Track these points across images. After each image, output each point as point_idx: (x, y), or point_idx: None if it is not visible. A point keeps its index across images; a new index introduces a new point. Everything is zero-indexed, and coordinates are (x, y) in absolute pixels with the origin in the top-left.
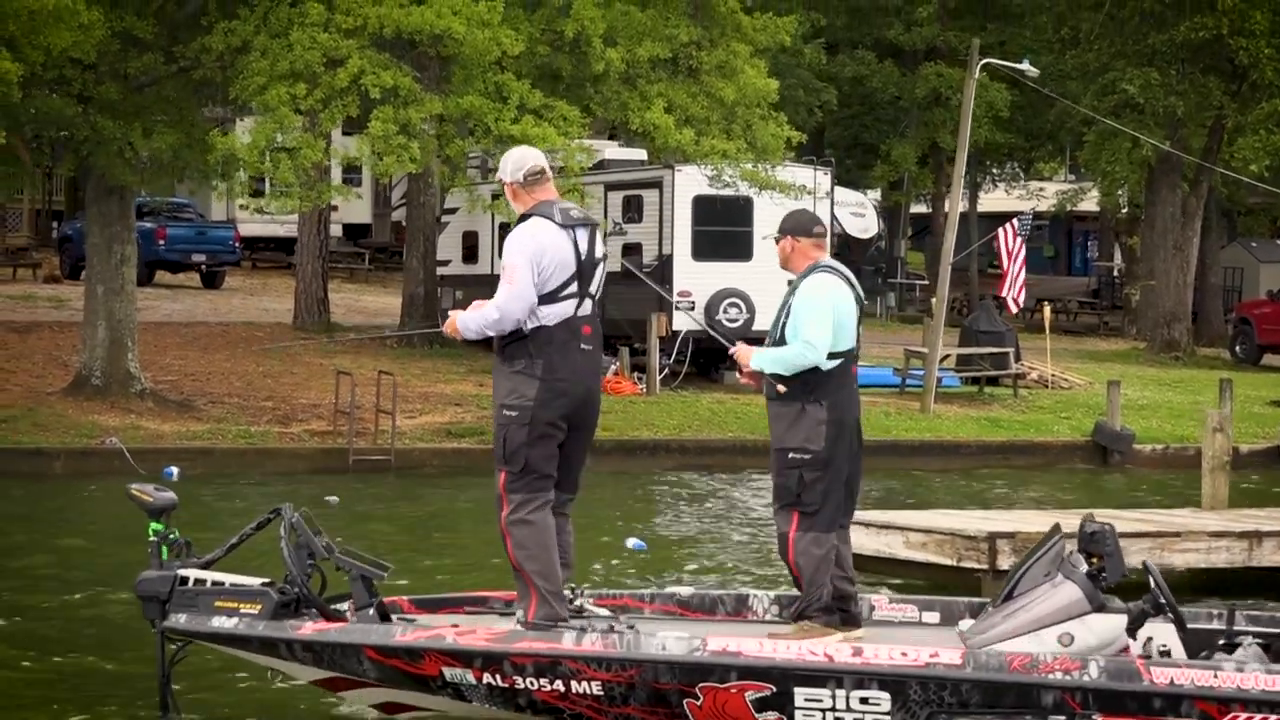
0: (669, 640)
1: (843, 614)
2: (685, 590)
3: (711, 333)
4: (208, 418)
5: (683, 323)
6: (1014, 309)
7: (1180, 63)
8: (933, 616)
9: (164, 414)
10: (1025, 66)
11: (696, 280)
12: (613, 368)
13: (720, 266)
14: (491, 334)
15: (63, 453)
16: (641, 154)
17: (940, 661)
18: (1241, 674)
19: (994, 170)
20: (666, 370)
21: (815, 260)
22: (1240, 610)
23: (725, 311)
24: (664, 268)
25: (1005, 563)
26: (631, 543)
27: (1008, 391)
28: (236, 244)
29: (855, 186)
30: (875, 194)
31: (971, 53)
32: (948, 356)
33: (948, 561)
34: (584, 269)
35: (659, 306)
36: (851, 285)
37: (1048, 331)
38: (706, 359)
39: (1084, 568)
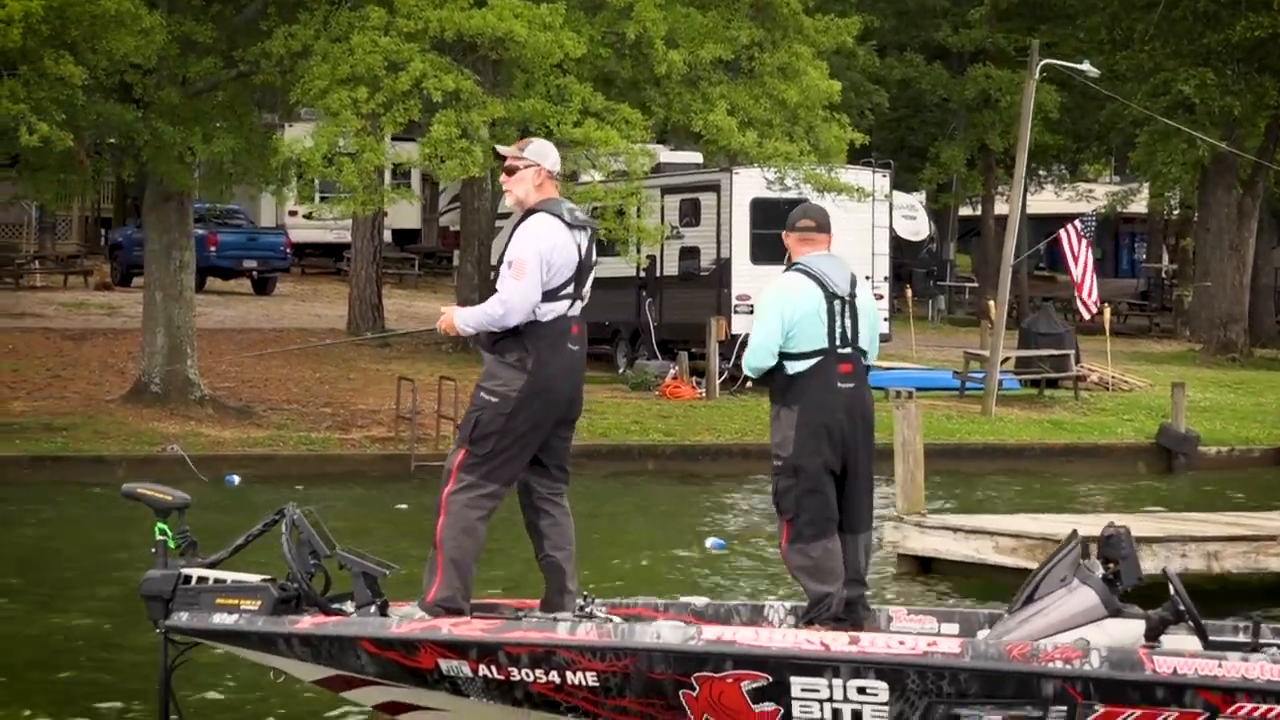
0: (664, 629)
1: (851, 620)
2: (700, 600)
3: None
4: (268, 424)
5: (743, 326)
6: (1087, 315)
7: (1235, 62)
8: (952, 628)
9: (224, 421)
10: (1086, 66)
11: (756, 284)
12: (671, 372)
13: (780, 270)
14: (494, 330)
15: (124, 460)
16: (696, 157)
17: (938, 650)
18: (1246, 663)
19: (1041, 172)
20: (726, 374)
21: (800, 256)
22: (1266, 624)
23: None
24: (723, 271)
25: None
26: (710, 542)
27: (1068, 394)
28: (287, 250)
29: (903, 189)
30: (921, 196)
31: (1031, 54)
32: (1007, 359)
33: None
34: (582, 270)
35: (718, 310)
36: (822, 284)
37: (1108, 333)
38: None
39: (1100, 573)
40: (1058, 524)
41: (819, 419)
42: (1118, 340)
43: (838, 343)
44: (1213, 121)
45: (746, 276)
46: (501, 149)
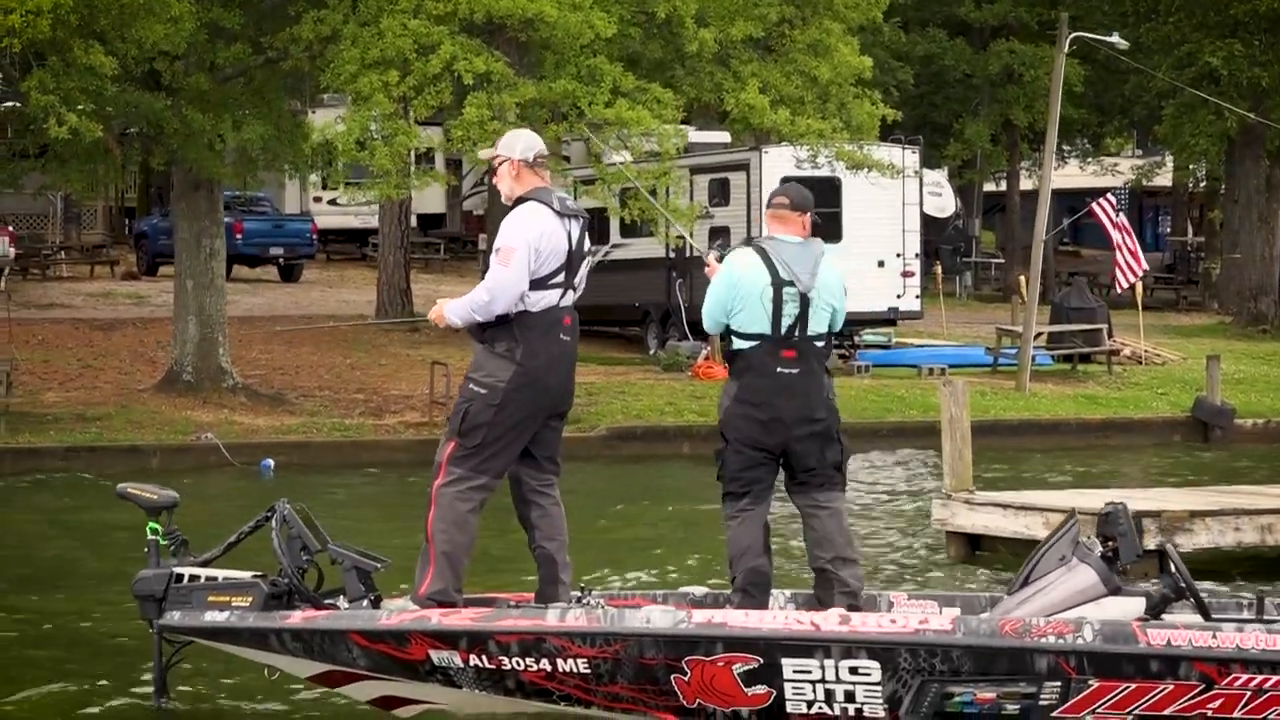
0: (653, 614)
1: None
2: (699, 590)
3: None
4: (301, 411)
5: None
6: (1127, 282)
7: (1263, 33)
8: (953, 612)
9: (257, 408)
10: (1115, 39)
11: None
12: (704, 352)
13: None
14: (480, 319)
15: (159, 449)
16: (723, 136)
17: (929, 628)
18: (1241, 634)
19: (1064, 147)
20: None
21: (771, 233)
22: (1270, 598)
23: None
24: None
25: (1150, 542)
26: None
27: (1101, 369)
28: (313, 236)
29: (927, 166)
30: (944, 172)
31: (1060, 27)
32: (1039, 334)
33: None
34: (573, 259)
35: None
36: (773, 269)
37: (1140, 307)
38: None
39: (1099, 550)
40: (1106, 499)
41: (752, 400)
42: (1145, 314)
43: (782, 332)
44: (1240, 93)
45: None
46: (483, 153)
